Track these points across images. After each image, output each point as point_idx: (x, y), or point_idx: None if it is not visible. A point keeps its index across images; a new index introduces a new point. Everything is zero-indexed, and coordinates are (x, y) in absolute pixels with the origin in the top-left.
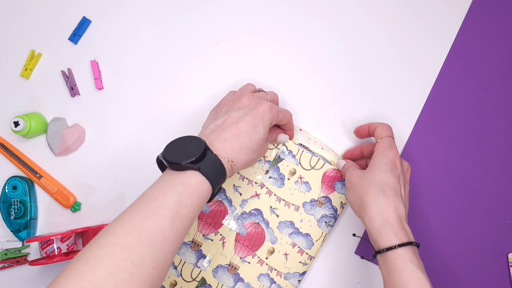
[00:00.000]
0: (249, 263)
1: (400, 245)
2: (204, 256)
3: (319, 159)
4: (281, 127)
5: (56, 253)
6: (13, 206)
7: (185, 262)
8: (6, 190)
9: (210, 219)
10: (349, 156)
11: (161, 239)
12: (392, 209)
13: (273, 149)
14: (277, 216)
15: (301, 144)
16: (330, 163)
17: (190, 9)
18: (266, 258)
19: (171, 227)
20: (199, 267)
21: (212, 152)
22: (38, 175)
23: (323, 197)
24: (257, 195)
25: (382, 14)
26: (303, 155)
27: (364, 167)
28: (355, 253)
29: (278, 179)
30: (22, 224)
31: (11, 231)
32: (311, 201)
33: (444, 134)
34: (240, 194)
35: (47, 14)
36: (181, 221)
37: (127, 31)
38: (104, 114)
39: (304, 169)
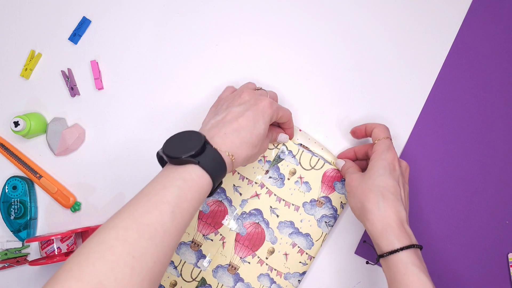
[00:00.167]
0: (249, 263)
1: (402, 249)
2: (204, 256)
3: (319, 159)
4: (281, 126)
5: (56, 253)
6: (13, 206)
7: (185, 262)
8: (6, 190)
9: (210, 219)
10: (343, 158)
11: (161, 234)
12: (393, 213)
13: (273, 149)
14: (277, 216)
15: (301, 144)
16: (330, 163)
17: (190, 9)
18: (266, 258)
19: (172, 221)
20: (199, 267)
21: (212, 146)
22: (38, 175)
23: (323, 197)
24: (257, 195)
25: (382, 14)
26: (303, 155)
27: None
28: (355, 253)
29: (278, 179)
30: (22, 224)
31: (11, 231)
32: (311, 201)
33: (444, 134)
34: (240, 194)
35: (47, 14)
36: (182, 215)
37: (127, 31)
38: (104, 114)
39: (304, 169)
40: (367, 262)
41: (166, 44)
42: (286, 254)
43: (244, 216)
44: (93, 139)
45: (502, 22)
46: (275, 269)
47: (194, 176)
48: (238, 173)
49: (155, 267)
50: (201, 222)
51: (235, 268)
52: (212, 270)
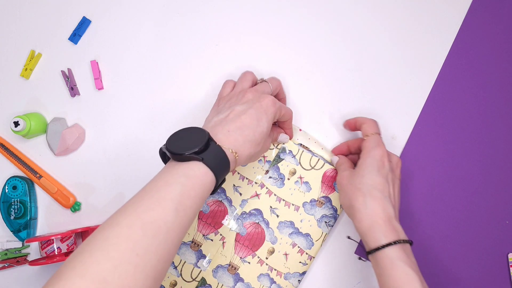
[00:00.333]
0: (249, 263)
1: (388, 244)
2: (204, 256)
3: (319, 159)
4: (280, 126)
5: (56, 253)
6: (13, 206)
7: (185, 262)
8: (6, 190)
9: (210, 219)
10: (337, 153)
11: (164, 231)
12: (380, 211)
13: (273, 149)
14: (277, 216)
15: (301, 144)
16: (330, 163)
17: (190, 9)
18: (266, 258)
19: (175, 219)
20: (199, 267)
21: (216, 143)
22: (38, 175)
23: (323, 197)
24: (257, 195)
25: (382, 14)
26: (303, 155)
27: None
28: (355, 253)
29: (278, 179)
30: (22, 224)
31: (11, 231)
32: (311, 201)
33: (444, 134)
34: (240, 194)
35: (47, 14)
36: (185, 213)
37: (127, 31)
38: (104, 114)
39: (304, 169)
40: (359, 258)
41: (166, 44)
42: (286, 254)
43: (244, 216)
44: (93, 139)
45: (502, 22)
46: (275, 269)
47: (198, 173)
48: (238, 173)
49: (159, 265)
50: (201, 222)
51: (235, 268)
52: (212, 270)
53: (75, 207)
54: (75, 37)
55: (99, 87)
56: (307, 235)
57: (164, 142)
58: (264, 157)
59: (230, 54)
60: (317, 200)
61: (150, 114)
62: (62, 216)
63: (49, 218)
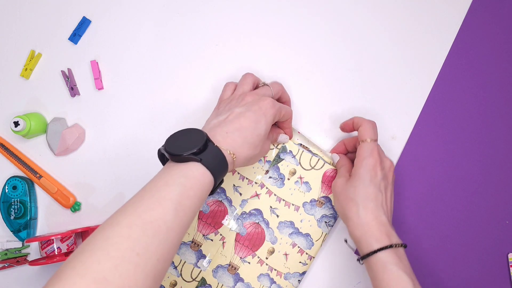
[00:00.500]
0: (249, 263)
1: (380, 249)
2: (204, 256)
3: (319, 159)
4: (280, 126)
5: (56, 253)
6: (13, 206)
7: (185, 262)
8: (6, 190)
9: (210, 219)
10: (335, 152)
11: (164, 230)
12: (372, 219)
13: (273, 149)
14: (277, 216)
15: (301, 144)
16: (330, 164)
17: (190, 9)
18: (266, 258)
19: (175, 218)
20: (199, 267)
21: (214, 144)
22: (38, 175)
23: (323, 197)
24: (257, 195)
25: (382, 14)
26: (303, 155)
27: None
28: (355, 253)
29: (278, 179)
30: (22, 224)
31: (11, 231)
32: (311, 201)
33: (444, 134)
34: (240, 194)
35: (47, 14)
36: (185, 213)
37: (127, 31)
38: (104, 114)
39: (304, 169)
40: (358, 259)
41: (166, 44)
42: (286, 254)
43: (244, 216)
44: (93, 139)
45: (502, 22)
46: (275, 269)
47: (196, 174)
48: (238, 173)
49: (159, 264)
50: (201, 222)
51: (235, 268)
52: (212, 270)
53: (75, 207)
54: (75, 37)
55: (99, 87)
56: (307, 235)
57: (165, 140)
58: (264, 157)
59: (230, 54)
60: (317, 200)
61: (150, 114)
62: (62, 216)
63: (49, 218)
